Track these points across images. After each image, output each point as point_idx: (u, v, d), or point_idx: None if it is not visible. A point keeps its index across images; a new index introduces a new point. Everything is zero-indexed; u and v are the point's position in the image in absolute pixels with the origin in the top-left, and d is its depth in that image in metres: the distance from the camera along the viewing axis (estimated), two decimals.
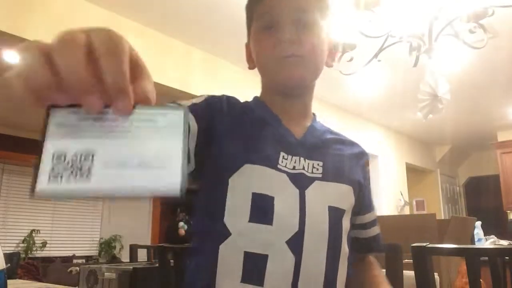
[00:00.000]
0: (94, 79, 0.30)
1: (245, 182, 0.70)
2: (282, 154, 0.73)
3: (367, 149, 0.95)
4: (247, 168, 0.70)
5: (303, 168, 0.74)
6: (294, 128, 0.79)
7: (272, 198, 0.70)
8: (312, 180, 0.74)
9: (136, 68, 0.34)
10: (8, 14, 2.45)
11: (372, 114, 5.36)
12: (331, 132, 0.87)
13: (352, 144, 0.89)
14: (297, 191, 0.72)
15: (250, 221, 0.69)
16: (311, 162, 0.75)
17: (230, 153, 0.71)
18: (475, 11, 1.94)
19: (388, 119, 5.62)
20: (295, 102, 0.81)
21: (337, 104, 4.81)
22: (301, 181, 0.73)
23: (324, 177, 0.75)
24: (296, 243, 0.69)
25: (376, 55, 2.39)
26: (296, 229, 0.70)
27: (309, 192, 0.73)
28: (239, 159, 0.70)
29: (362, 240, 0.86)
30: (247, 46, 0.85)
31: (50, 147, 0.32)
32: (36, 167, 0.32)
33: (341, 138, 0.88)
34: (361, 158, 0.88)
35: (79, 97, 0.31)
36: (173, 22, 3.10)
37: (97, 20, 2.87)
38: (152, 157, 0.32)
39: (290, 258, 0.68)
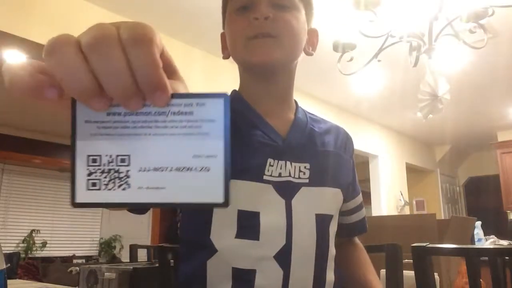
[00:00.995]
0: (135, 84, 0.27)
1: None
2: (269, 160, 0.71)
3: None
4: (232, 184, 0.67)
5: (289, 174, 0.72)
6: (277, 121, 0.76)
7: (257, 214, 0.68)
8: (298, 186, 0.72)
9: (167, 68, 0.30)
10: (8, 14, 2.45)
11: (372, 114, 5.35)
12: (315, 121, 0.83)
13: (336, 131, 0.85)
14: (283, 201, 0.70)
15: (236, 237, 0.68)
16: (297, 165, 0.73)
17: None
18: (475, 11, 1.94)
19: (388, 119, 5.61)
20: (273, 88, 0.77)
21: (337, 104, 4.81)
22: (287, 190, 0.71)
23: (311, 182, 0.73)
24: (283, 257, 0.68)
25: (376, 55, 2.39)
26: (283, 242, 0.69)
27: (295, 201, 0.71)
28: None
29: (348, 225, 0.86)
30: (223, 35, 0.82)
31: (83, 148, 0.28)
32: (73, 171, 0.27)
33: (326, 127, 0.84)
34: (348, 146, 0.86)
35: (118, 100, 0.27)
36: (173, 22, 3.10)
37: (97, 20, 2.87)
38: (192, 157, 0.28)
39: (278, 272, 0.68)
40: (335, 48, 2.28)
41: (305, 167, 0.74)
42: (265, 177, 0.70)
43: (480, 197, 7.46)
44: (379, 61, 2.41)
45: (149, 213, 6.83)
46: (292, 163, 0.73)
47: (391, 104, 4.93)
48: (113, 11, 2.95)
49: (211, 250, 0.68)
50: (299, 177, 0.73)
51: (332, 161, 0.79)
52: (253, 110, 0.76)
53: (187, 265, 0.74)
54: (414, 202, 6.78)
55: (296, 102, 0.83)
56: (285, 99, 0.80)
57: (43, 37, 2.58)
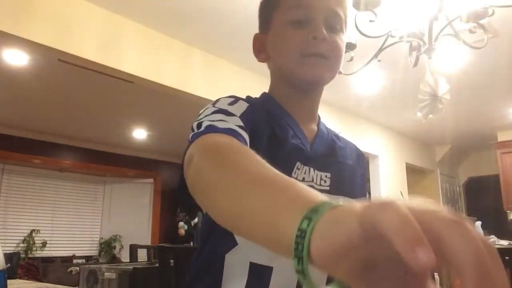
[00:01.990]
0: None
1: None
2: (297, 164, 0.74)
3: (367, 149, 0.96)
4: None
5: (312, 180, 0.75)
6: (304, 129, 0.80)
7: None
8: (320, 192, 0.73)
9: None
10: (8, 14, 2.45)
11: (372, 114, 5.35)
12: (335, 136, 0.88)
13: (353, 148, 0.90)
14: None
15: None
16: (319, 173, 0.76)
17: None
18: (475, 11, 1.94)
19: (388, 119, 5.61)
20: (306, 99, 0.81)
21: (338, 104, 4.81)
22: None
23: (331, 191, 0.76)
24: None
25: (376, 55, 2.39)
26: None
27: None
28: None
29: None
30: (258, 37, 0.83)
31: None
32: None
33: (344, 141, 0.89)
34: (362, 161, 0.90)
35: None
36: (173, 22, 3.10)
37: (97, 20, 2.87)
38: None
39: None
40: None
41: (326, 176, 0.77)
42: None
43: (480, 197, 7.46)
44: (379, 61, 2.40)
45: (149, 213, 6.83)
46: (316, 171, 0.76)
47: (391, 104, 4.93)
48: (113, 11, 2.95)
49: (231, 243, 0.69)
50: (320, 184, 0.76)
51: (350, 173, 0.83)
52: (288, 115, 0.79)
53: (205, 256, 0.75)
54: None
55: (318, 115, 0.87)
56: (314, 111, 0.84)
57: (43, 37, 2.58)
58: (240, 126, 0.63)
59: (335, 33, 0.76)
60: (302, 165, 0.74)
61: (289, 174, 0.72)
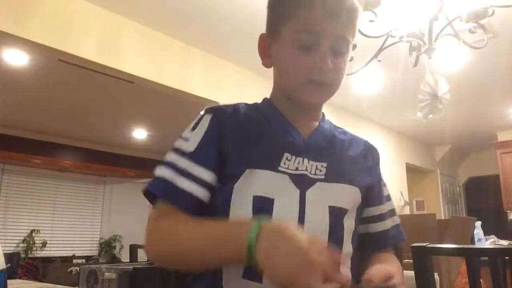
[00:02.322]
0: None
1: (247, 186, 0.72)
2: (286, 155, 0.75)
3: None
4: (249, 173, 0.72)
5: (306, 169, 0.76)
6: (302, 128, 0.81)
7: (272, 200, 0.72)
8: (314, 181, 0.75)
9: None
10: (8, 14, 2.45)
11: (372, 114, 5.35)
12: (340, 131, 0.88)
13: (361, 142, 0.89)
14: (298, 191, 0.73)
15: None
16: (315, 163, 0.77)
17: (234, 162, 0.73)
18: (475, 11, 1.94)
19: (388, 119, 5.61)
20: (306, 111, 0.83)
21: (337, 104, 4.81)
22: (302, 182, 0.74)
23: (327, 178, 0.76)
24: None
25: (376, 55, 2.39)
26: None
27: (310, 193, 0.74)
28: (242, 166, 0.73)
29: (373, 235, 0.85)
30: (264, 38, 0.83)
31: None
32: None
33: (350, 137, 0.88)
34: (371, 156, 0.88)
35: None
36: (173, 22, 3.10)
37: (97, 20, 2.87)
38: None
39: None
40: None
41: (322, 166, 0.78)
42: (280, 168, 0.74)
43: (480, 197, 7.46)
44: (379, 61, 2.40)
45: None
46: (310, 161, 0.77)
47: (391, 104, 4.93)
48: (113, 11, 2.95)
49: None
50: (315, 174, 0.76)
51: (350, 162, 0.82)
52: (284, 118, 0.82)
53: None
54: (414, 202, 6.78)
55: (323, 113, 0.88)
56: (314, 116, 0.86)
57: (43, 37, 2.58)
58: (189, 170, 0.72)
59: (341, 57, 0.77)
60: (293, 156, 0.75)
61: (277, 164, 0.74)
